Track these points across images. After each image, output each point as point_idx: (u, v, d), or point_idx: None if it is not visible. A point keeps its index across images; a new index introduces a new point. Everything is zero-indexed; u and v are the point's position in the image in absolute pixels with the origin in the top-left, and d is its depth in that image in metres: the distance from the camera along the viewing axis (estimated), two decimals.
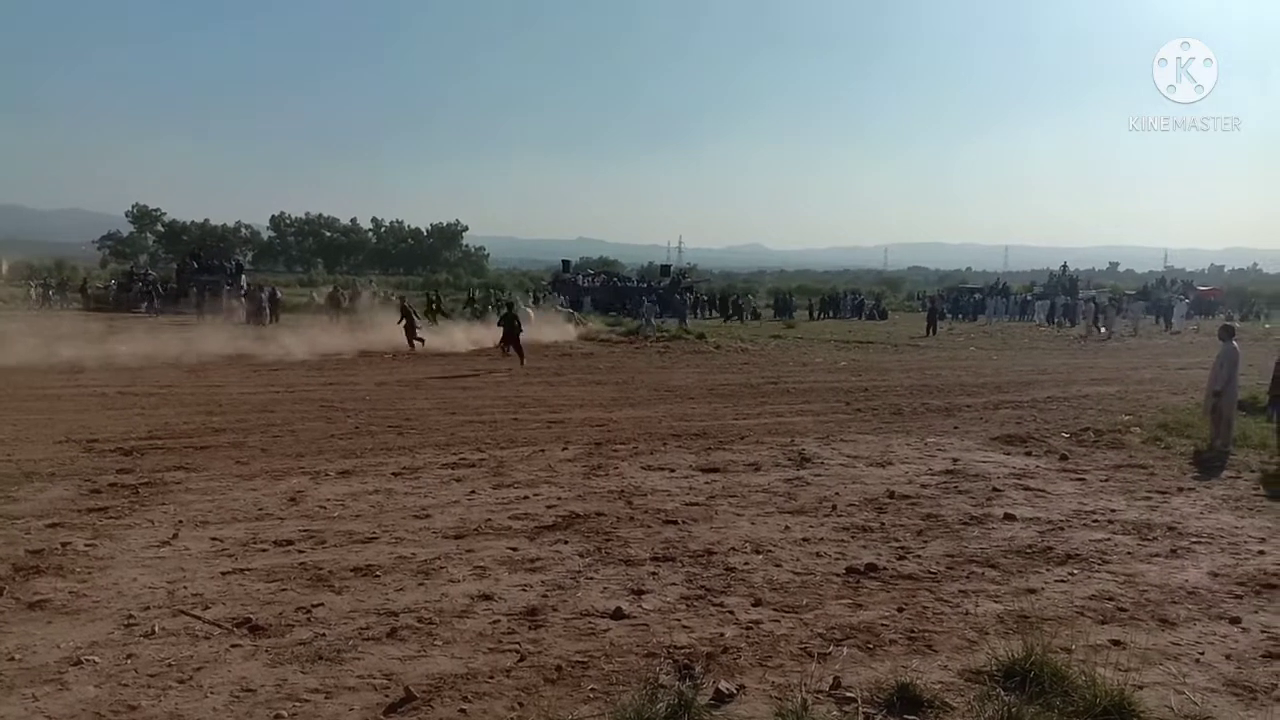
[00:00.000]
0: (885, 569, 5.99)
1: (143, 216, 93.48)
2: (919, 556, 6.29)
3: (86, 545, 6.16)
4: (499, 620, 4.98)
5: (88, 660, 4.32)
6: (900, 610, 5.23)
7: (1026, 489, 8.45)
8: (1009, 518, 7.34)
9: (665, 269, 55.29)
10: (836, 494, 8.10)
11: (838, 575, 5.88)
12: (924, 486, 8.48)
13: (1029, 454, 10.25)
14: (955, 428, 12.10)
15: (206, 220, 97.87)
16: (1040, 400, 15.07)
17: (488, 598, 5.32)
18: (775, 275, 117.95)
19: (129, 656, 4.39)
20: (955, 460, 9.72)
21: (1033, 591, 5.61)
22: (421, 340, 22.42)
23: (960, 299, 54.49)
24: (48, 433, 10.45)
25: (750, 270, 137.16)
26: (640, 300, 37.63)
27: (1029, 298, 52.48)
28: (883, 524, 7.13)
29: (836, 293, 57.61)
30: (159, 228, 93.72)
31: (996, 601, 5.43)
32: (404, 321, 22.54)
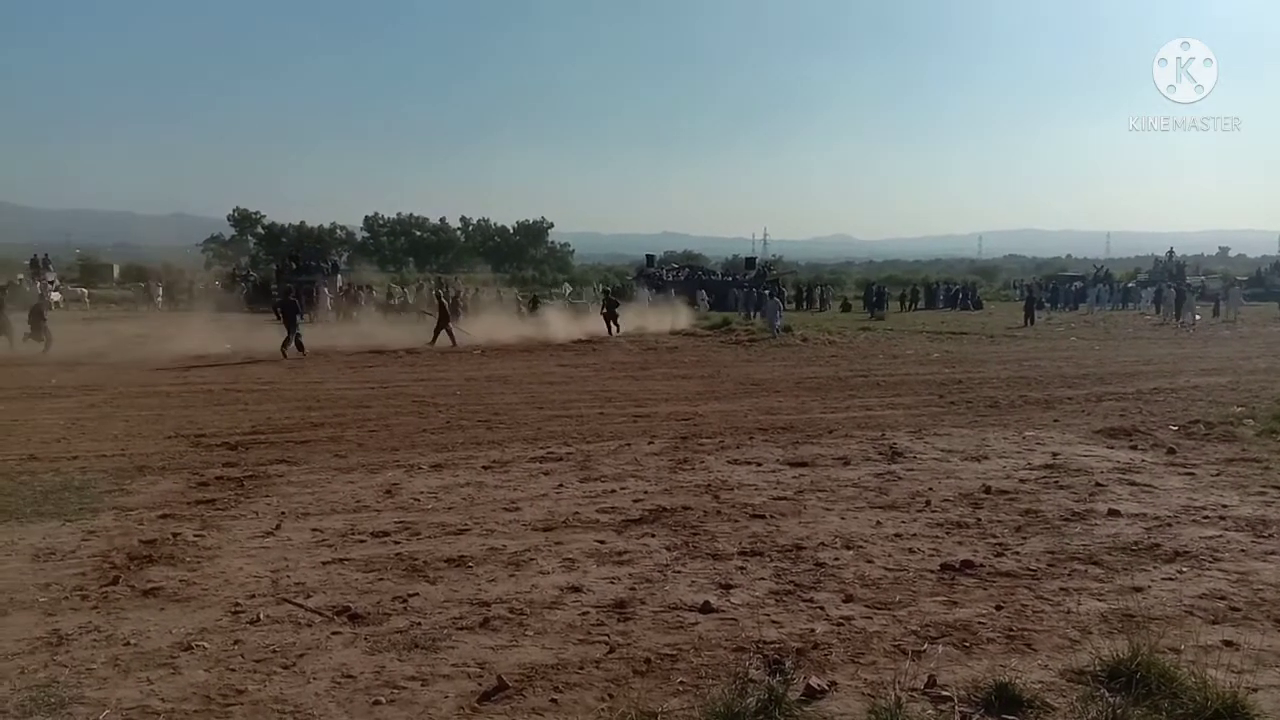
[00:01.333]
0: (982, 566, 5.82)
1: (244, 220, 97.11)
2: (1018, 553, 6.10)
3: (195, 536, 6.44)
4: (588, 612, 5.02)
5: (197, 646, 4.51)
6: (998, 608, 5.08)
7: (1132, 484, 8.11)
8: (1113, 514, 7.05)
9: (750, 261, 54.89)
10: (930, 489, 7.92)
11: (932, 572, 5.74)
12: (1022, 481, 8.22)
13: (1134, 447, 9.84)
14: (1055, 421, 11.69)
15: (303, 222, 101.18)
16: (1145, 392, 14.45)
17: (577, 590, 5.37)
18: (864, 266, 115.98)
19: (236, 642, 4.57)
20: (1055, 454, 9.39)
21: (1139, 590, 5.38)
22: (451, 336, 22.64)
23: (1059, 287, 52.72)
24: (158, 428, 10.97)
25: (838, 261, 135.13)
26: (738, 294, 37.33)
27: (1133, 285, 50.40)
28: (979, 520, 6.94)
29: (929, 282, 56.34)
30: (259, 230, 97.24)
31: (1100, 600, 5.22)
32: (439, 316, 22.94)
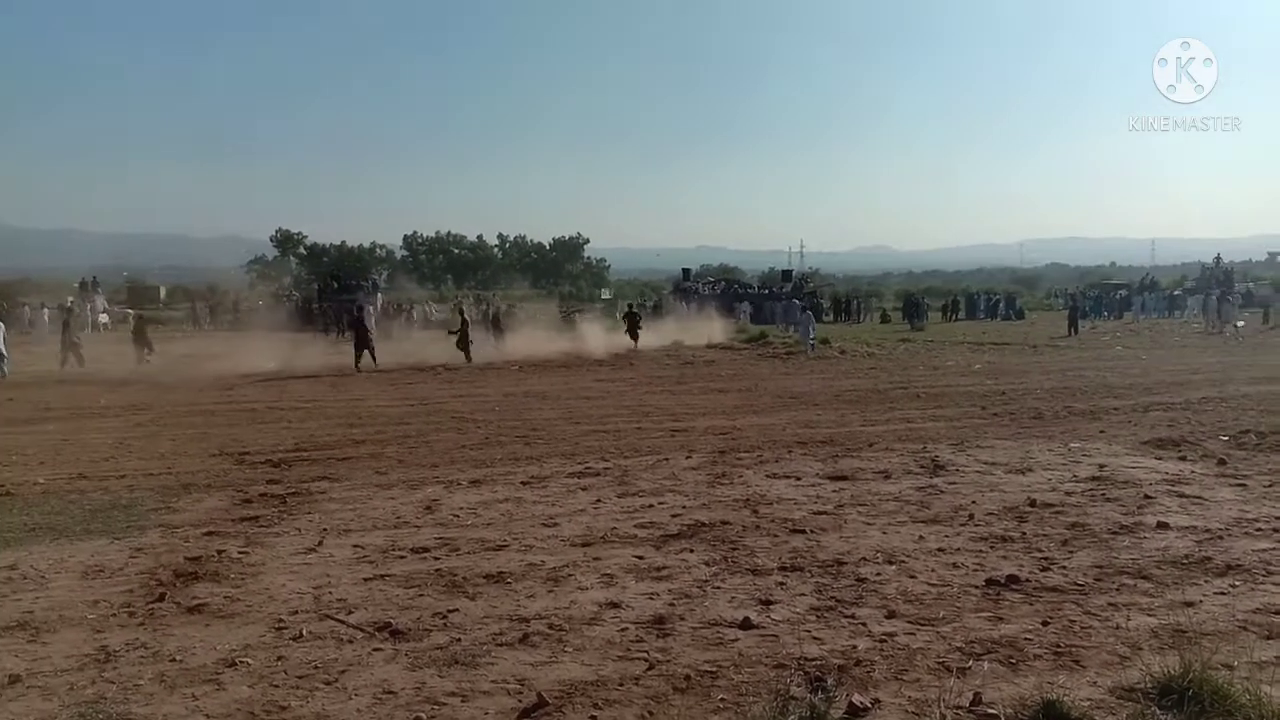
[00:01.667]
0: (1028, 580, 5.72)
1: (286, 240, 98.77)
2: (1064, 568, 5.98)
3: (240, 552, 6.53)
4: (627, 628, 5.00)
5: (241, 662, 4.56)
6: (1045, 624, 4.98)
7: (1181, 496, 7.93)
8: (1162, 526, 6.89)
9: (787, 274, 54.68)
10: (973, 502, 7.79)
11: (976, 587, 5.64)
12: (1068, 494, 8.06)
13: (1183, 459, 9.62)
14: (1101, 432, 11.48)
15: (344, 241, 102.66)
16: (1194, 401, 14.14)
17: (616, 605, 5.36)
18: (903, 276, 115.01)
19: (279, 658, 4.62)
20: (1102, 466, 9.21)
21: (1190, 604, 5.24)
22: (467, 353, 22.89)
23: (1104, 296, 51.88)
24: (203, 446, 11.16)
25: (877, 272, 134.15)
26: (775, 308, 37.21)
27: (1179, 293, 49.43)
28: (1024, 534, 6.81)
29: (970, 292, 55.69)
30: (301, 250, 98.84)
31: (1150, 615, 5.10)
32: (460, 331, 23.11)
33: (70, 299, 43.25)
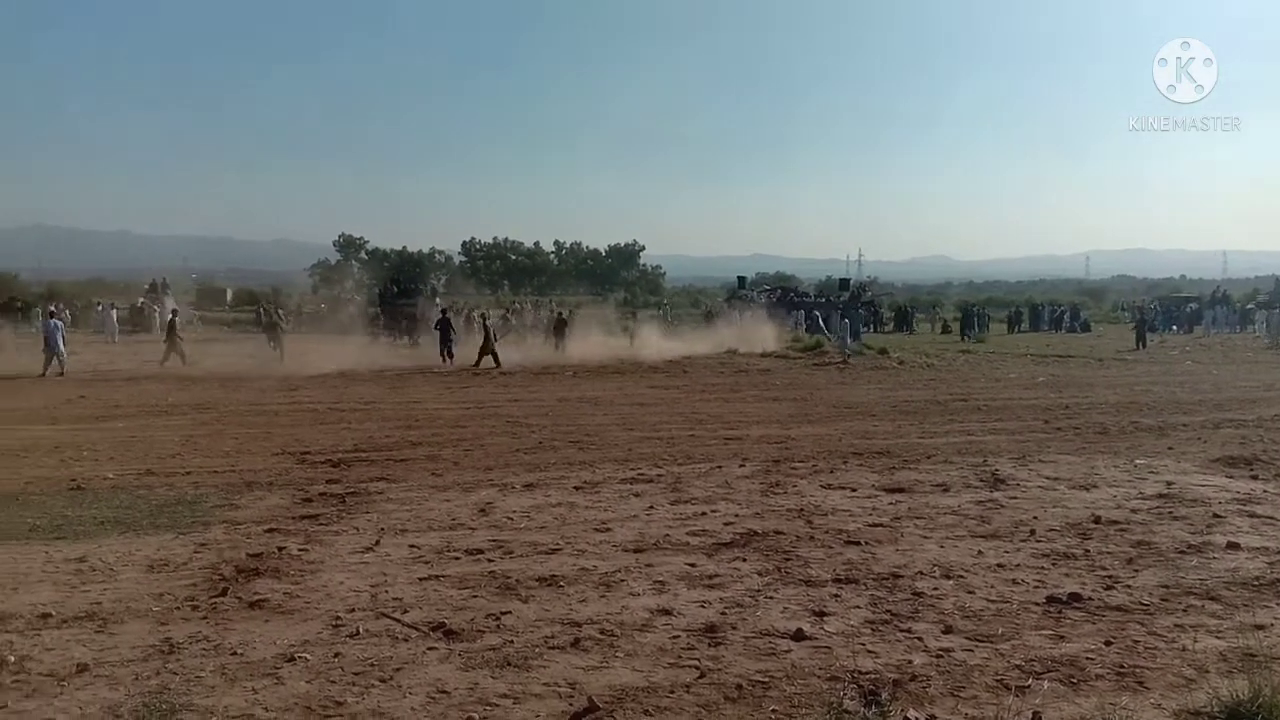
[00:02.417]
0: (1091, 599, 5.57)
1: (348, 245, 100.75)
2: (1129, 586, 5.81)
3: (300, 550, 6.65)
4: (679, 635, 4.98)
5: (300, 657, 4.65)
6: (1108, 643, 4.84)
7: (1253, 515, 7.66)
8: (1232, 546, 6.66)
9: (844, 283, 54.14)
10: (1035, 518, 7.62)
11: (1037, 604, 5.52)
12: (1134, 511, 7.84)
13: (1255, 477, 9.30)
14: (1169, 448, 11.15)
15: (405, 247, 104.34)
16: (1267, 419, 13.66)
17: (667, 612, 5.34)
18: (964, 287, 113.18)
19: (336, 655, 4.69)
20: (1169, 483, 8.94)
21: (1260, 627, 5.06)
22: (496, 359, 23.25)
23: (1173, 309, 50.40)
24: (266, 445, 11.41)
25: (936, 282, 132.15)
26: (827, 316, 36.91)
27: (1251, 307, 47.83)
28: (1087, 551, 6.64)
29: (1033, 304, 54.57)
30: (363, 255, 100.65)
31: (1218, 637, 4.93)
32: (484, 341, 23.47)
33: (141, 300, 44.62)
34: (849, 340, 25.40)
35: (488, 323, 25.25)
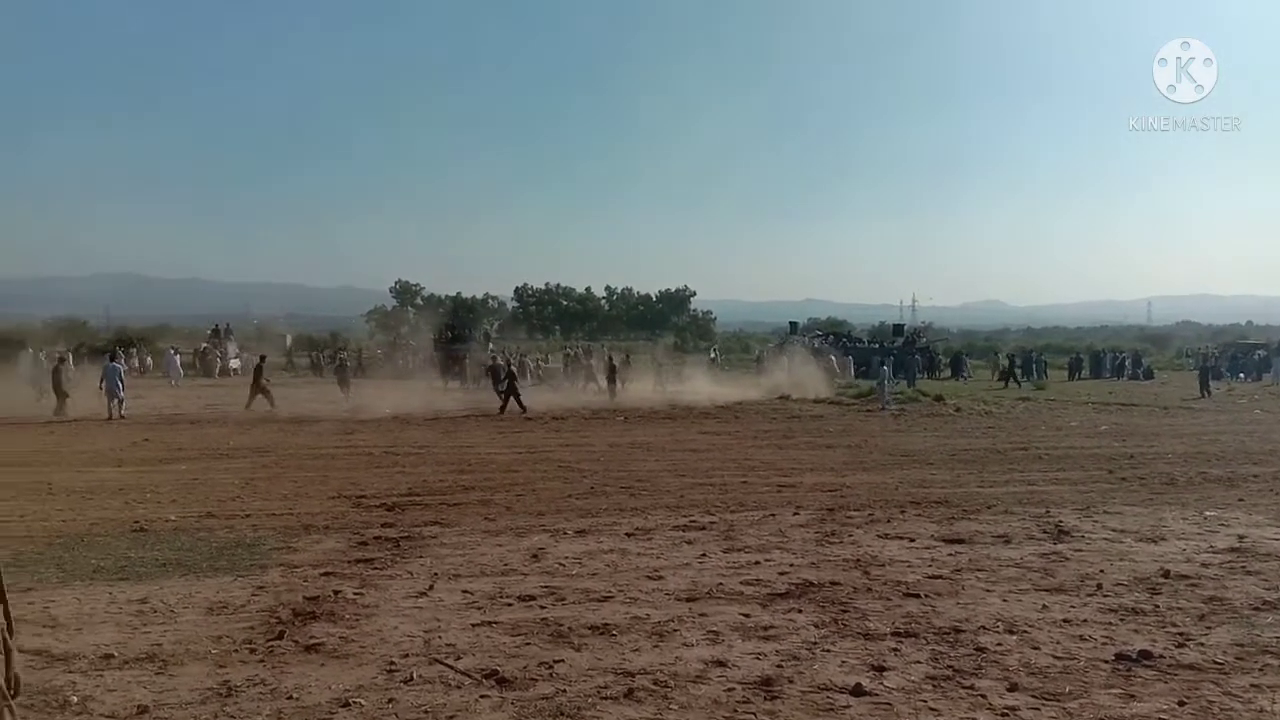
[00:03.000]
0: (1162, 657, 5.35)
1: (404, 291, 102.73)
2: (1201, 644, 5.58)
3: (355, 593, 6.70)
4: (733, 688, 4.89)
5: (355, 703, 4.65)
6: (1181, 704, 4.64)
7: None
8: None
9: (898, 328, 53.62)
10: (1101, 571, 7.38)
11: (1105, 662, 5.32)
12: (1205, 565, 7.55)
13: None
14: (1240, 500, 10.75)
15: (459, 293, 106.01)
16: None
17: (721, 664, 5.25)
18: (1021, 332, 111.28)
19: (390, 701, 4.68)
20: (1241, 537, 8.60)
21: None
22: (515, 401, 23.31)
23: (1240, 356, 48.90)
24: (322, 489, 11.56)
25: (993, 328, 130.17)
26: (875, 361, 36.55)
27: None
28: (1157, 606, 6.40)
29: (1094, 350, 53.40)
30: (418, 301, 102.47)
31: None
32: (506, 383, 23.52)
33: (204, 344, 45.82)
34: (889, 388, 25.06)
35: (511, 367, 25.41)
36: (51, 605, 6.36)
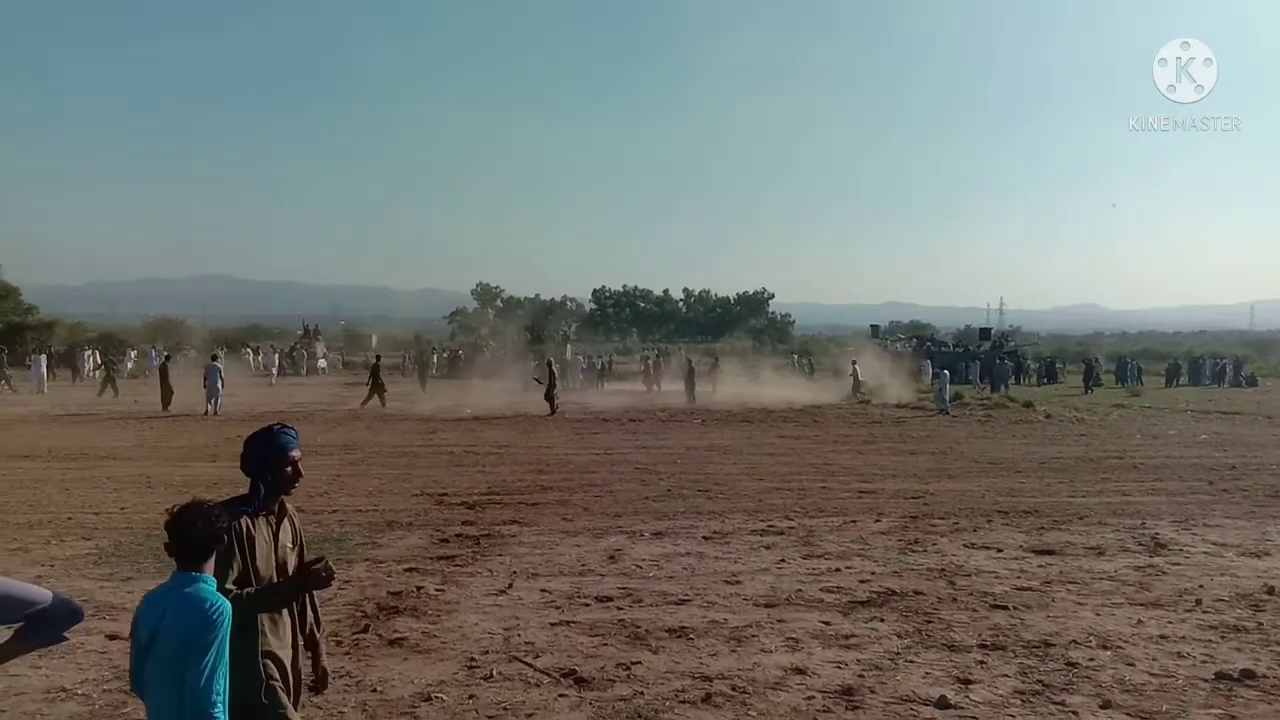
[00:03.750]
0: (1265, 677, 5.10)
1: (485, 293, 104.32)
2: None
3: (437, 590, 6.81)
4: (814, 696, 4.81)
5: (436, 698, 4.72)
6: None
7: None
8: None
9: (985, 332, 52.25)
10: (1200, 586, 7.06)
11: (1204, 680, 5.08)
12: None
13: None
14: None
15: (538, 295, 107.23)
16: None
17: (801, 671, 5.18)
18: (1115, 337, 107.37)
19: (470, 697, 4.75)
20: None
21: None
22: (552, 405, 23.18)
23: None
24: (406, 486, 11.80)
25: (1085, 332, 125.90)
26: (960, 366, 35.80)
27: None
28: (1260, 624, 6.10)
29: (1193, 356, 51.18)
30: (498, 303, 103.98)
31: None
32: (548, 384, 23.42)
33: (294, 344, 47.30)
34: (948, 396, 24.66)
35: (553, 369, 25.36)
36: None
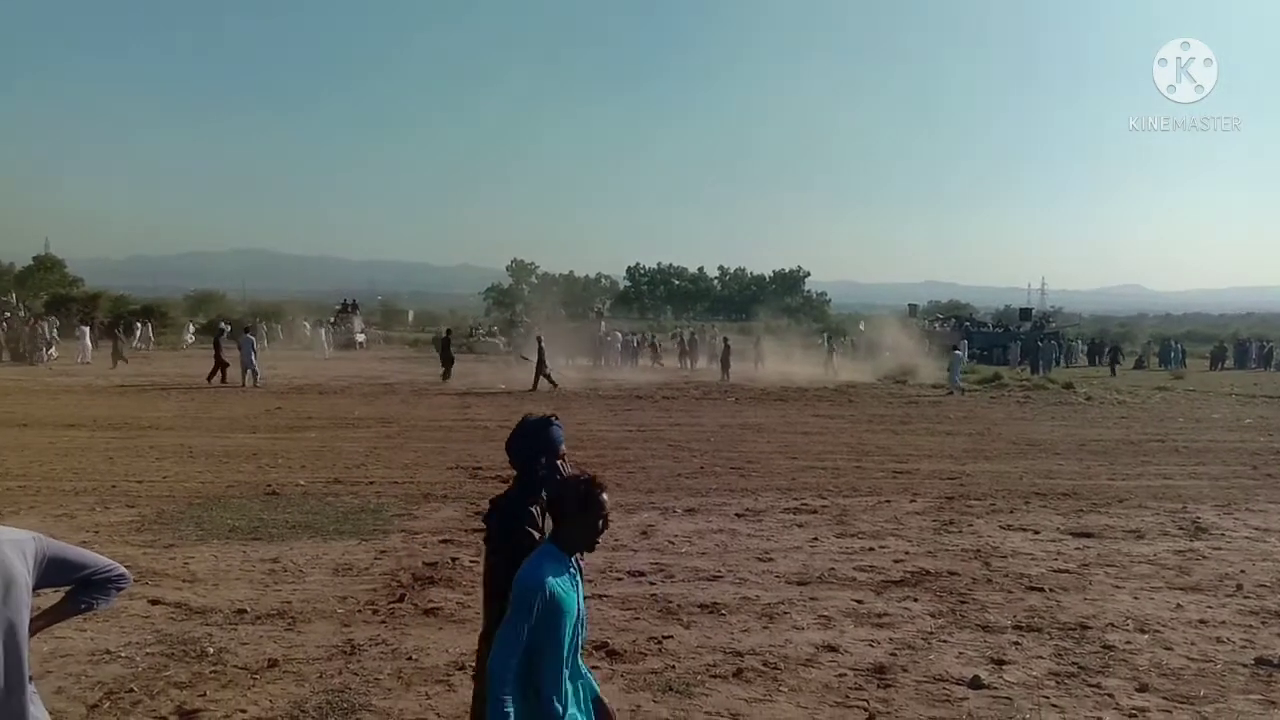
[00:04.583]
0: None
1: (520, 269, 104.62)
2: None
3: (471, 561, 6.87)
4: (845, 674, 4.81)
5: (471, 666, 4.77)
6: None
7: None
8: None
9: (1025, 312, 51.50)
10: (1242, 571, 6.95)
11: (1244, 665, 5.01)
12: None
13: None
14: None
15: (572, 271, 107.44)
16: None
17: (833, 649, 5.18)
18: (1159, 319, 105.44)
19: None
20: None
21: None
22: (550, 380, 23.04)
23: None
24: (441, 459, 11.91)
25: (1128, 314, 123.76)
26: (998, 347, 35.35)
27: None
28: None
29: (1239, 339, 50.10)
30: (533, 279, 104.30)
31: None
32: (538, 361, 23.27)
33: (332, 318, 47.77)
34: (959, 378, 24.38)
35: (542, 344, 25.21)
36: (191, 561, 6.76)
